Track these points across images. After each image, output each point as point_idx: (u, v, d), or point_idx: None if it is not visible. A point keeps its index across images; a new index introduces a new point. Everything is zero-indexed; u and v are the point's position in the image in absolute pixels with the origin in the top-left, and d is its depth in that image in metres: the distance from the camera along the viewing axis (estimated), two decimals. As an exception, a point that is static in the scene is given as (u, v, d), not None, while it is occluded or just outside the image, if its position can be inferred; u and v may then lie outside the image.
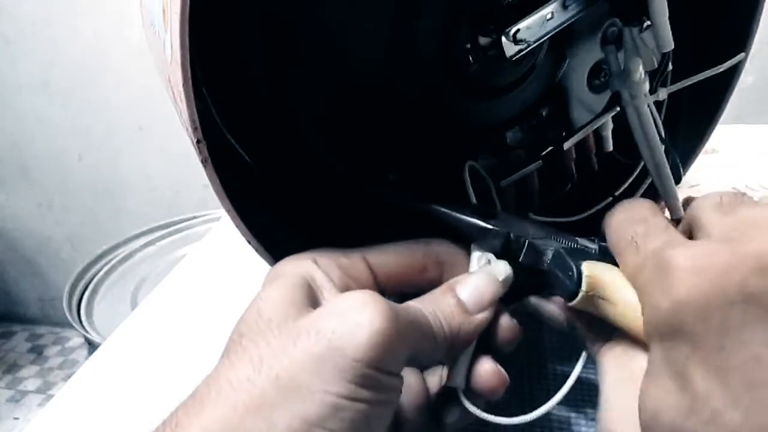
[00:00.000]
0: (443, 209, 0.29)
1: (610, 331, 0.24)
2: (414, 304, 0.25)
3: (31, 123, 1.46)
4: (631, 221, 0.24)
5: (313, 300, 0.24)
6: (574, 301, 0.24)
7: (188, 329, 0.42)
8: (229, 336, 0.23)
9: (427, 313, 0.24)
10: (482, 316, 0.26)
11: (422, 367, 0.27)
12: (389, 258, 0.28)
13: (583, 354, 0.27)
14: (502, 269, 0.27)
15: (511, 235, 0.27)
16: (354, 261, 0.27)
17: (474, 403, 0.26)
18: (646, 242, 0.22)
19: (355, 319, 0.21)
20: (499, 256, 0.28)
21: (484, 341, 0.27)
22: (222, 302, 0.44)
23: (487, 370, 0.26)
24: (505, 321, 0.27)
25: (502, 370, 0.26)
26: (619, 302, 0.23)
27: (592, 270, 0.24)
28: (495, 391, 0.26)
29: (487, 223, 0.28)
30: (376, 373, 0.21)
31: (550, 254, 0.26)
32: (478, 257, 0.28)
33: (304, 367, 0.20)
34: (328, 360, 0.20)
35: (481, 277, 0.27)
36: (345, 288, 0.25)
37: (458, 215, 0.28)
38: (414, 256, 0.28)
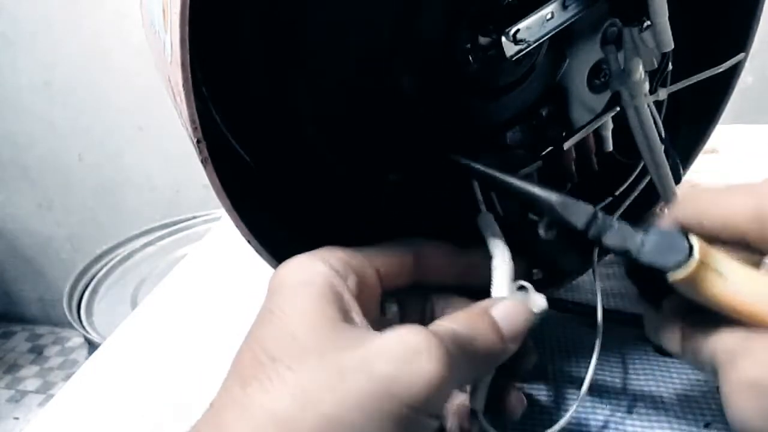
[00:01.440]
0: (520, 182, 0.27)
1: (715, 321, 0.22)
2: (457, 331, 0.23)
3: (31, 123, 1.46)
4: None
5: (344, 314, 0.23)
6: (685, 271, 0.21)
7: (188, 329, 0.42)
8: (247, 349, 0.22)
9: (469, 341, 0.23)
10: (513, 346, 0.25)
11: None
12: (386, 259, 0.28)
13: (591, 367, 0.26)
14: (540, 302, 0.26)
15: (598, 212, 0.24)
16: (363, 264, 0.26)
17: (491, 423, 0.26)
18: None
19: (413, 367, 0.20)
20: (576, 235, 0.25)
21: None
22: (222, 302, 0.44)
23: (514, 397, 0.26)
24: (529, 347, 0.27)
25: (522, 395, 0.27)
26: (733, 275, 0.21)
27: (698, 240, 0.21)
28: (516, 414, 0.26)
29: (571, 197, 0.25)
30: (426, 417, 0.20)
31: (640, 231, 0.23)
32: (501, 274, 0.27)
33: (354, 407, 0.19)
34: (381, 403, 0.20)
35: (519, 307, 0.26)
36: (359, 293, 0.25)
37: (537, 189, 0.26)
38: (406, 256, 0.28)
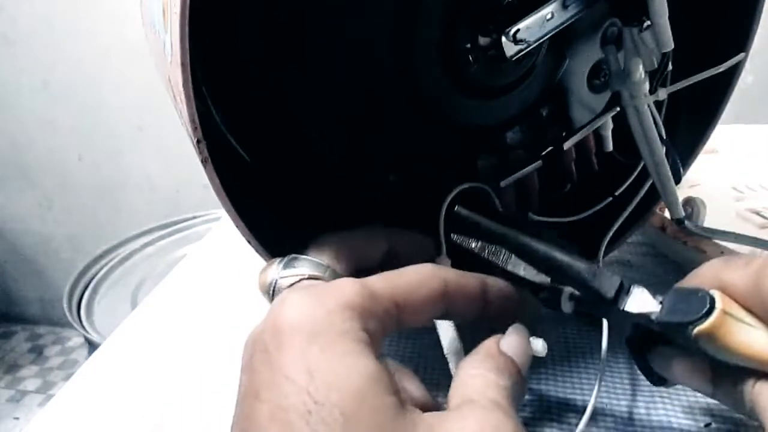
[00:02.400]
0: (548, 249, 0.26)
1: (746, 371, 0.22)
2: (508, 387, 0.22)
3: (31, 123, 1.46)
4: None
5: (396, 395, 0.19)
6: (710, 322, 0.21)
7: (188, 329, 0.42)
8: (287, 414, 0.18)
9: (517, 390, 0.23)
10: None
11: None
12: (413, 290, 0.24)
13: (594, 395, 0.26)
14: (541, 348, 0.25)
15: (623, 280, 0.24)
16: (384, 302, 0.22)
17: None
18: None
19: None
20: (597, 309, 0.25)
21: None
22: (222, 302, 0.44)
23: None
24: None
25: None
26: (757, 323, 0.21)
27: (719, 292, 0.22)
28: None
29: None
30: None
31: (657, 296, 0.23)
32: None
33: None
34: None
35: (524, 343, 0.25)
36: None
37: (567, 258, 0.25)
38: (435, 288, 0.25)
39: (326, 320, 0.19)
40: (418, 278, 0.23)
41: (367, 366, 0.18)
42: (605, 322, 0.31)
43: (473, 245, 0.28)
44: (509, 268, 0.27)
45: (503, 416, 0.20)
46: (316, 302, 0.20)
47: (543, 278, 0.26)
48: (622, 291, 0.24)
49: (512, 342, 0.24)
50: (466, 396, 0.21)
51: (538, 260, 0.26)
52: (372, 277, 0.23)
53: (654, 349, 0.25)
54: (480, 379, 0.22)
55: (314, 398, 0.17)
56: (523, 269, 0.26)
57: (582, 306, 0.25)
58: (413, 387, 0.25)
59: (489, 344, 0.24)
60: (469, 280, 0.25)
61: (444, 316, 0.25)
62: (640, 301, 0.23)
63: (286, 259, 0.27)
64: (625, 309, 0.23)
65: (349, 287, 0.21)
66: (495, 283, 0.26)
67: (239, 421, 0.19)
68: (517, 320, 0.26)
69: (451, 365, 0.28)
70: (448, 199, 0.33)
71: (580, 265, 0.25)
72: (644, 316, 0.23)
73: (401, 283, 0.23)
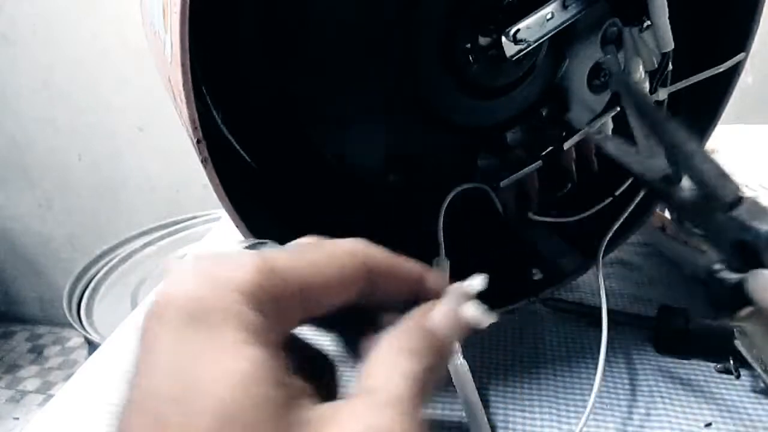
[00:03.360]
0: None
1: None
2: (420, 377, 0.19)
3: (31, 123, 1.46)
4: None
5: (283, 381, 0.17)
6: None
7: (188, 329, 0.42)
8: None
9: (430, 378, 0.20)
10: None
11: None
12: (319, 272, 0.20)
13: (598, 375, 0.26)
14: (478, 282, 0.23)
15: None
16: (282, 282, 0.19)
17: None
18: None
19: None
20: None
21: None
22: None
23: None
24: None
25: None
26: None
27: None
28: None
29: None
30: None
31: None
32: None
33: None
34: None
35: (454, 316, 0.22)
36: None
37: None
38: (351, 267, 0.21)
39: (211, 299, 0.17)
40: (334, 254, 0.20)
41: (251, 357, 0.16)
42: (605, 322, 0.31)
43: None
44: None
45: (399, 416, 0.17)
46: (205, 277, 0.18)
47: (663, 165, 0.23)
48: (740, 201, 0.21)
49: (441, 315, 0.22)
50: (368, 384, 0.19)
51: (668, 142, 0.23)
52: (278, 251, 0.20)
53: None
54: (387, 364, 0.20)
55: (185, 390, 0.16)
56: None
57: (691, 205, 0.23)
58: (323, 374, 0.22)
59: (416, 316, 0.22)
60: (405, 264, 0.22)
61: (368, 304, 0.22)
62: (754, 213, 0.20)
63: (253, 242, 0.26)
64: (739, 218, 0.20)
65: (246, 260, 0.18)
66: (437, 276, 0.23)
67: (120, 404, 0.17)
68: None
69: (450, 366, 0.28)
70: (448, 198, 0.33)
71: (709, 162, 0.22)
72: (755, 231, 0.20)
73: (312, 259, 0.20)
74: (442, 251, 0.31)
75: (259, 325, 0.17)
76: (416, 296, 0.23)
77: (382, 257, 0.22)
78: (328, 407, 0.17)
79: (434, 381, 0.20)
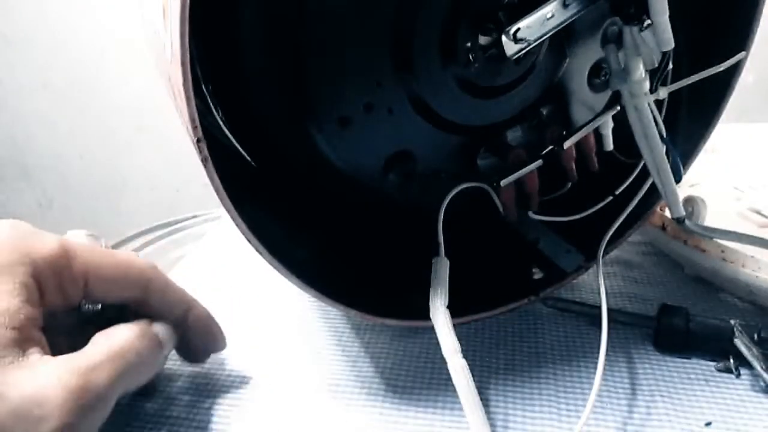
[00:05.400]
0: None
1: None
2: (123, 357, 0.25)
3: (31, 123, 1.45)
4: None
5: (20, 326, 0.23)
6: None
7: (188, 329, 0.42)
8: None
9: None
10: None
11: None
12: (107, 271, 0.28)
13: (599, 374, 0.26)
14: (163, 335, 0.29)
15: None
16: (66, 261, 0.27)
17: None
18: None
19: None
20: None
21: None
22: (222, 302, 0.44)
23: None
24: None
25: None
26: None
27: None
28: None
29: None
30: None
31: None
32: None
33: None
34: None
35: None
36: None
37: None
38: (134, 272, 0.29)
39: (4, 252, 0.23)
40: (127, 260, 0.28)
41: (5, 300, 0.22)
42: (605, 321, 0.31)
43: None
44: None
45: (63, 392, 0.21)
46: (14, 236, 0.25)
47: None
48: None
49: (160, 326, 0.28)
50: (78, 356, 0.23)
51: None
52: (81, 244, 0.27)
53: None
54: (98, 354, 0.24)
55: None
56: None
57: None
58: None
59: (142, 324, 0.27)
60: (174, 296, 0.29)
61: (142, 309, 0.28)
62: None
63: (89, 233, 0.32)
64: None
65: (52, 239, 0.26)
66: (200, 313, 0.31)
67: None
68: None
69: (450, 365, 0.28)
70: (448, 198, 0.33)
71: None
72: None
73: (106, 256, 0.27)
74: (442, 251, 0.31)
75: (30, 285, 0.23)
76: (181, 320, 0.30)
77: (162, 284, 0.29)
78: (43, 356, 0.22)
79: (127, 379, 0.25)
